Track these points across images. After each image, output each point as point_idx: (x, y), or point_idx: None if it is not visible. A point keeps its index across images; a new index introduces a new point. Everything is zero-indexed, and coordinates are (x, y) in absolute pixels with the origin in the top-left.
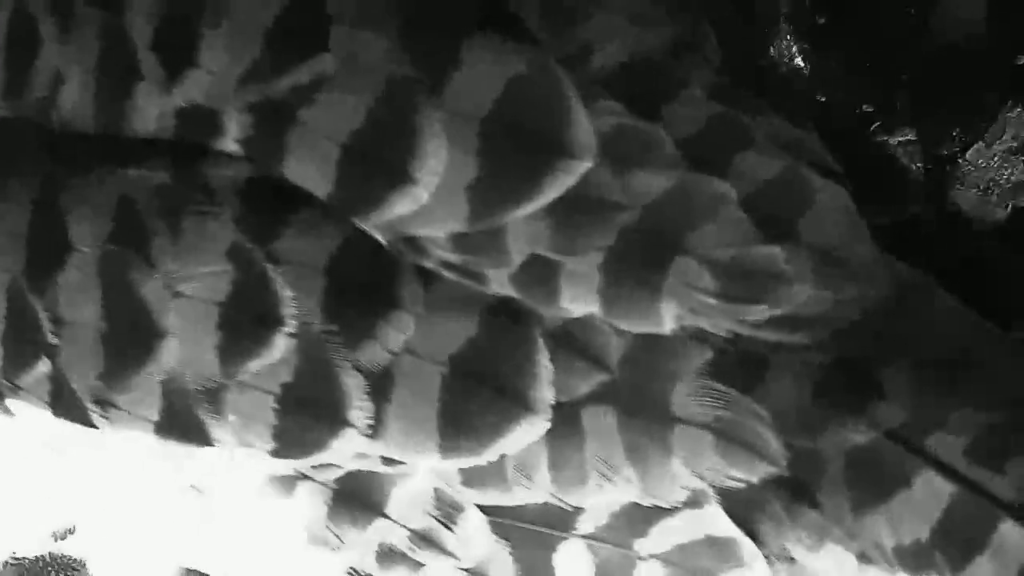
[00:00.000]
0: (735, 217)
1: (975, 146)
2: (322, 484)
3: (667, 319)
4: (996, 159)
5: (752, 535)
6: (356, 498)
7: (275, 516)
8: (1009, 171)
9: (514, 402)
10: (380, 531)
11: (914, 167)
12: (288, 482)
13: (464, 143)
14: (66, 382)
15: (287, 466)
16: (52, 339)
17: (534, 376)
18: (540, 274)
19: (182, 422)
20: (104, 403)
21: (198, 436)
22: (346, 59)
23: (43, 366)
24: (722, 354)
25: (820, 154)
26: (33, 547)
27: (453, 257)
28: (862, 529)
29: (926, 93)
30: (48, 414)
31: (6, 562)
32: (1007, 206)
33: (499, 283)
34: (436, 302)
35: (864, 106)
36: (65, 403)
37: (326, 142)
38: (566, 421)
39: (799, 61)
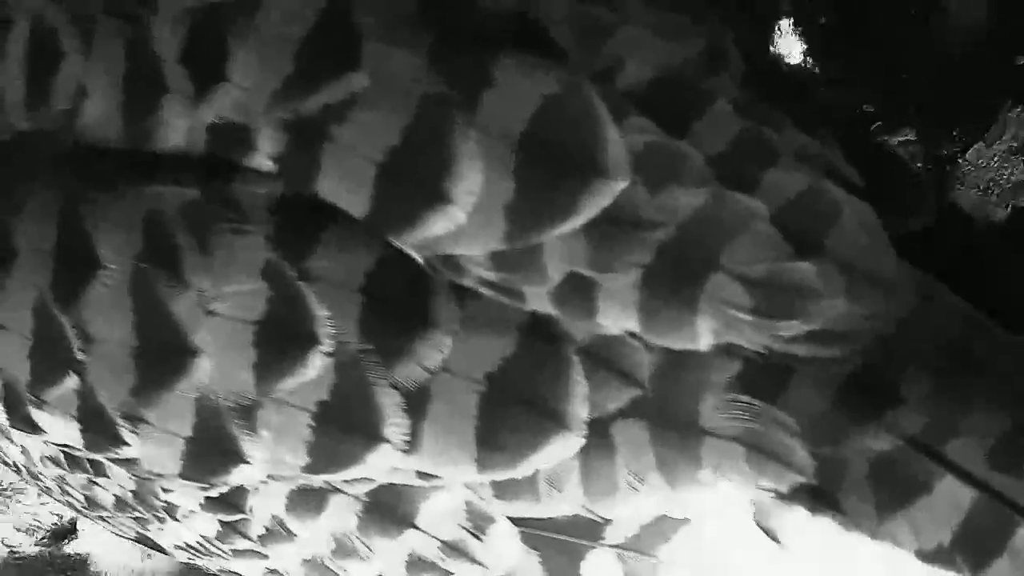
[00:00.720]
0: (767, 233)
1: (975, 146)
2: (353, 497)
3: (703, 335)
4: (996, 159)
5: (776, 540)
6: (387, 510)
7: (304, 527)
8: (1009, 171)
9: (550, 419)
10: (410, 542)
11: (916, 167)
12: (318, 495)
13: (500, 162)
14: (94, 398)
15: (318, 480)
16: (80, 355)
17: (569, 393)
18: (578, 292)
19: (214, 439)
20: (134, 419)
21: (230, 453)
22: (378, 77)
23: (71, 382)
24: (748, 365)
25: (843, 168)
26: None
27: (490, 275)
28: (885, 534)
29: (927, 93)
30: (75, 428)
31: (6, 562)
32: (1007, 206)
33: (537, 301)
34: (471, 320)
35: (864, 106)
36: (93, 419)
37: (361, 160)
38: (598, 435)
39: (800, 61)
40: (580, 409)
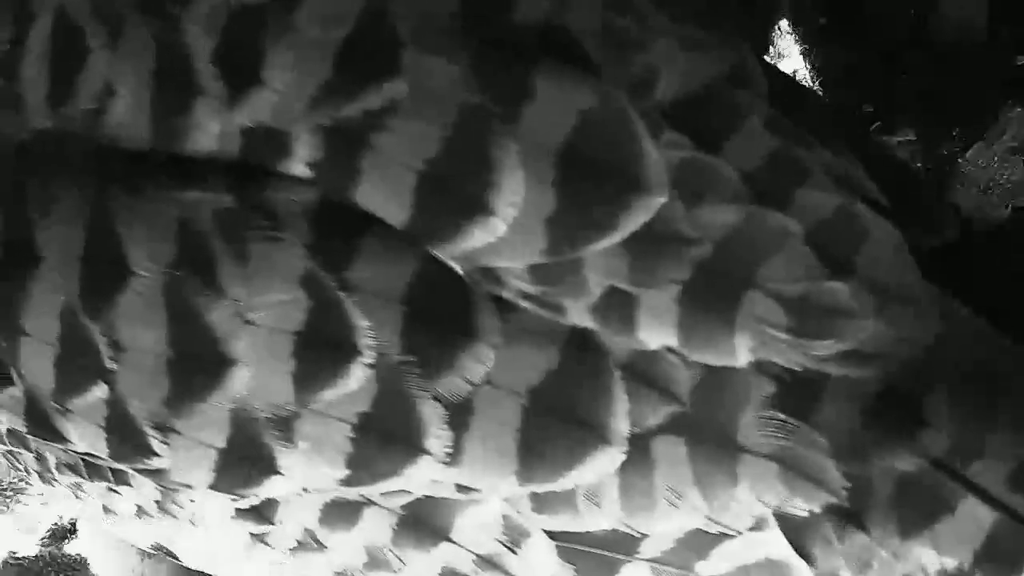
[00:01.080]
0: (801, 252)
1: (975, 146)
2: (388, 510)
3: (741, 352)
4: (996, 159)
5: (804, 556)
6: (422, 523)
7: (336, 539)
8: (1009, 171)
9: (592, 433)
10: (444, 555)
11: (917, 166)
12: (352, 508)
13: (542, 175)
14: (124, 407)
15: (354, 493)
16: (110, 364)
17: (611, 409)
18: (618, 306)
19: (247, 450)
20: (165, 429)
21: (263, 464)
22: (418, 85)
23: (99, 391)
24: (781, 383)
25: (869, 188)
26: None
27: (531, 288)
28: (908, 552)
29: (926, 93)
30: (102, 437)
31: (6, 562)
32: (1007, 206)
33: (577, 314)
34: (514, 333)
35: (864, 106)
36: (120, 428)
37: (401, 169)
38: (637, 451)
39: (799, 61)
40: (622, 424)
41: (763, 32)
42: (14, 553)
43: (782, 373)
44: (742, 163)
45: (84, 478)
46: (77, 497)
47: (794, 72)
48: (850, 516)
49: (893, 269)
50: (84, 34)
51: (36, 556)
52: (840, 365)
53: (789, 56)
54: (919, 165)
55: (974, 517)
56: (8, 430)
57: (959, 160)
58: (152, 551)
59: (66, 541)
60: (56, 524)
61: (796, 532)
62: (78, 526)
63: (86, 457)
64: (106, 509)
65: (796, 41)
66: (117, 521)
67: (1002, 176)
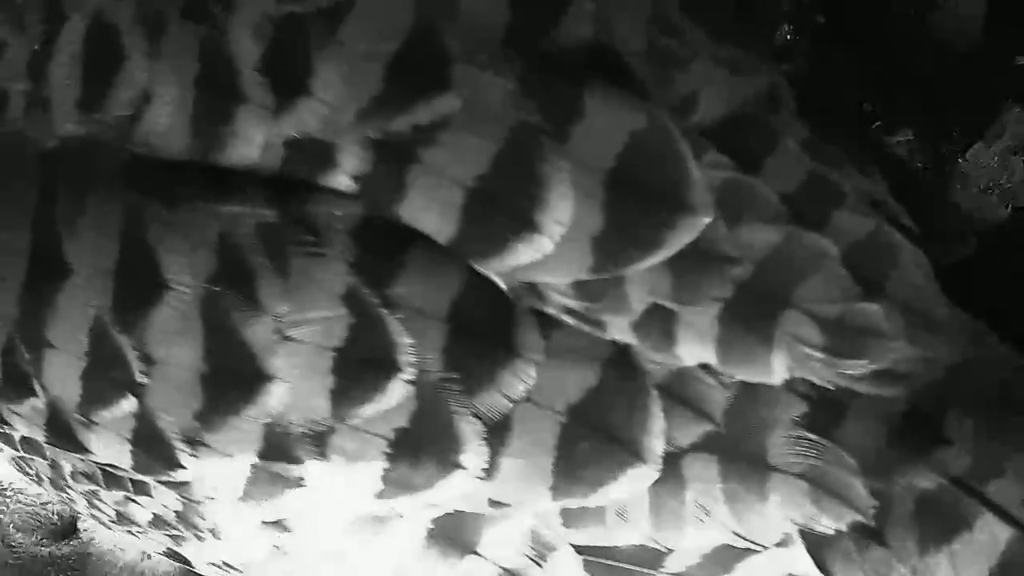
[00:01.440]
0: (837, 273)
1: (975, 146)
2: (416, 523)
3: (778, 370)
4: (996, 159)
5: (824, 571)
6: (450, 536)
7: (362, 553)
8: (1009, 171)
9: (628, 451)
10: (469, 568)
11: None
12: (379, 521)
13: (590, 195)
14: (152, 420)
15: (384, 506)
16: (141, 378)
17: (647, 427)
18: (659, 323)
19: (278, 464)
20: (195, 443)
21: (293, 478)
22: (469, 100)
23: (127, 404)
24: (810, 402)
25: (898, 212)
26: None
27: (574, 304)
28: (926, 568)
29: (926, 93)
30: (127, 450)
31: (6, 562)
32: (1007, 206)
33: (618, 330)
34: (555, 351)
35: (864, 106)
36: (147, 441)
37: (450, 185)
38: (670, 469)
39: (799, 61)
40: (657, 443)
41: (763, 32)
42: (14, 552)
43: (812, 392)
44: (779, 184)
45: (101, 487)
46: (91, 504)
47: (794, 72)
48: (871, 532)
49: (922, 293)
50: (121, 37)
51: (36, 556)
52: (870, 384)
53: (789, 56)
54: (919, 165)
55: (991, 534)
56: (23, 438)
57: (959, 160)
58: (164, 557)
59: (66, 541)
60: (56, 524)
61: (817, 547)
62: (78, 526)
63: (106, 467)
64: (121, 516)
65: (796, 41)
66: (131, 528)
67: (1002, 176)
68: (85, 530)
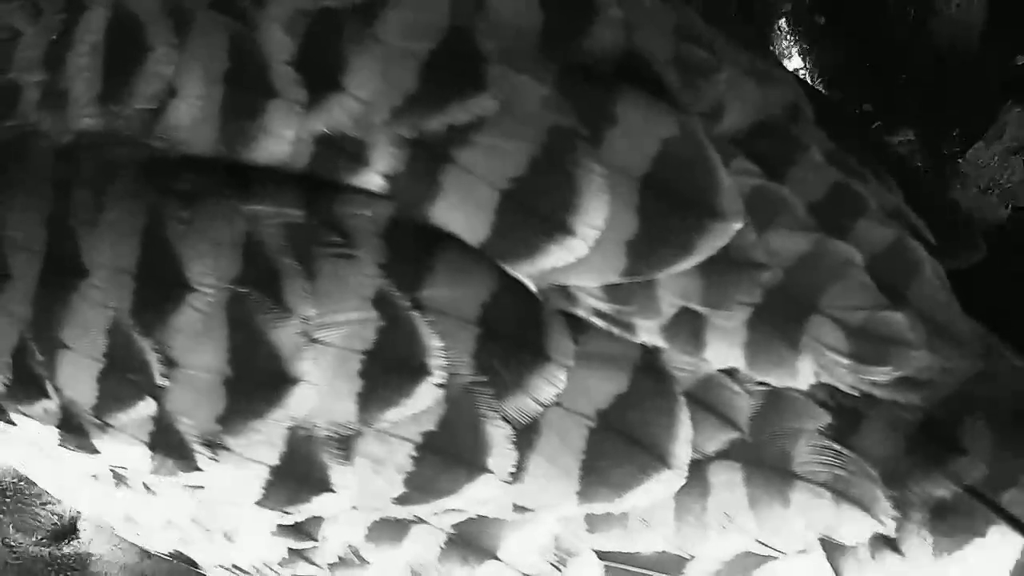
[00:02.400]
0: (862, 281)
1: (975, 146)
2: (438, 528)
3: (804, 374)
4: (996, 159)
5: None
6: (471, 542)
7: (381, 556)
8: (1009, 171)
9: (655, 458)
10: (490, 573)
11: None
12: (401, 525)
13: (625, 199)
14: (171, 423)
15: (406, 511)
16: (161, 380)
17: (675, 434)
18: (688, 327)
19: (300, 467)
20: (215, 446)
21: (315, 482)
22: (505, 102)
23: (146, 407)
24: (834, 411)
25: (917, 223)
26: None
27: (604, 306)
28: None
29: (926, 93)
30: (143, 452)
31: (6, 562)
32: (1007, 206)
33: (648, 333)
34: (585, 356)
35: (864, 106)
36: (165, 444)
37: (484, 186)
38: (695, 475)
39: (799, 61)
40: (684, 450)
41: (763, 32)
42: (14, 553)
43: (830, 400)
44: (804, 193)
45: (109, 487)
46: (96, 504)
47: (794, 72)
48: (886, 539)
49: (942, 304)
50: (145, 28)
51: (36, 556)
52: (891, 391)
53: (789, 56)
54: (919, 165)
55: (1004, 543)
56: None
57: (959, 160)
58: (168, 557)
59: (66, 541)
60: (56, 524)
61: (832, 552)
62: (78, 526)
63: (117, 469)
64: (128, 518)
65: (796, 41)
66: (139, 529)
67: (1002, 176)
68: (85, 530)
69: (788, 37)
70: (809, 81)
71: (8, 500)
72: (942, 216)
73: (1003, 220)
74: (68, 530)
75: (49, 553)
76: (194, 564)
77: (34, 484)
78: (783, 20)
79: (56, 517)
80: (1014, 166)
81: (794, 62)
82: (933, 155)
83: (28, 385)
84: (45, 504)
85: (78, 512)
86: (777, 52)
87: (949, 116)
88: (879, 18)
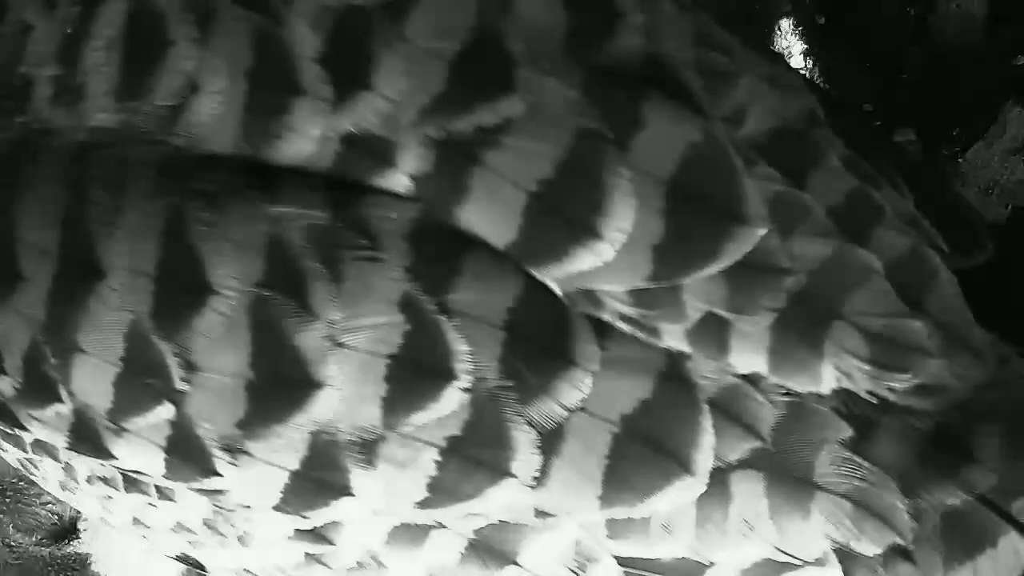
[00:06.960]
0: (883, 288)
1: (975, 146)
2: (458, 533)
3: (827, 379)
4: (996, 159)
5: None
6: (491, 547)
7: (399, 561)
8: (1009, 171)
9: (677, 464)
10: None
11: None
12: (420, 530)
13: (652, 203)
14: (190, 427)
15: (428, 515)
16: (181, 385)
17: (698, 442)
18: (713, 331)
19: (321, 472)
20: (235, 451)
21: (336, 487)
22: (533, 105)
23: (164, 411)
24: (854, 421)
25: (931, 231)
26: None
27: (630, 310)
28: None
29: (926, 92)
30: (160, 457)
31: (6, 562)
32: (1007, 206)
33: (673, 338)
34: (611, 361)
35: (864, 106)
36: (183, 448)
37: (512, 188)
38: (716, 483)
39: (799, 61)
40: (706, 458)
41: (763, 32)
42: (14, 553)
43: (844, 408)
44: (824, 199)
45: (118, 491)
46: (104, 507)
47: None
48: (900, 548)
49: (957, 312)
50: (167, 21)
51: (36, 556)
52: (905, 399)
53: (790, 56)
54: (924, 163)
55: (1014, 551)
56: (35, 440)
57: (959, 160)
58: (175, 560)
59: (66, 541)
60: (56, 524)
61: (847, 561)
62: (78, 526)
63: (128, 473)
64: (136, 520)
65: (796, 41)
66: (146, 532)
67: (1002, 176)
68: (85, 531)
69: (789, 37)
70: (809, 80)
71: (8, 500)
72: (952, 215)
73: (1003, 220)
74: (68, 530)
75: (49, 553)
76: (201, 567)
77: (34, 484)
78: (784, 20)
79: (56, 517)
80: (1014, 166)
81: (794, 62)
82: (933, 155)
83: (40, 388)
84: (45, 504)
85: (78, 512)
86: (777, 52)
87: (949, 116)
88: (879, 18)
